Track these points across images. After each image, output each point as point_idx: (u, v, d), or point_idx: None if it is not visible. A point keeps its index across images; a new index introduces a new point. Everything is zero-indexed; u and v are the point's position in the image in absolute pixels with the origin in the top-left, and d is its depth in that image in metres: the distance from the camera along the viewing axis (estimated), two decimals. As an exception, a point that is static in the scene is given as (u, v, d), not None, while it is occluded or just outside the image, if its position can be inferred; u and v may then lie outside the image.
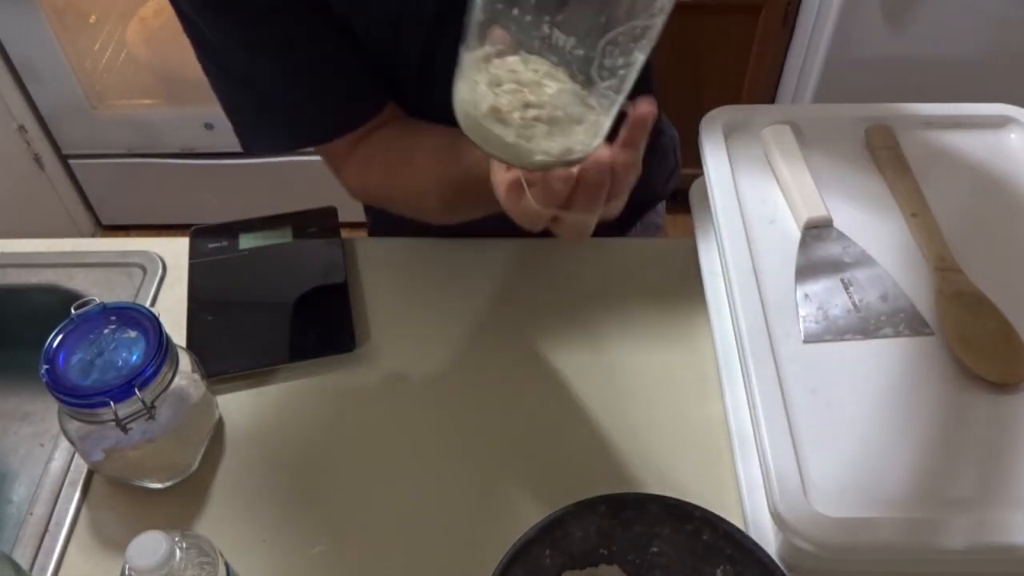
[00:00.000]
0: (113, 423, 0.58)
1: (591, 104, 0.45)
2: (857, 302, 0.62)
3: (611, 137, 0.48)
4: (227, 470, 0.67)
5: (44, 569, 0.61)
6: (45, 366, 0.58)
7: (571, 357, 0.73)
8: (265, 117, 0.71)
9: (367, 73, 0.70)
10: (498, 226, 0.82)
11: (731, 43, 1.64)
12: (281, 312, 0.77)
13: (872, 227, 0.67)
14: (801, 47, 1.58)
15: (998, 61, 1.51)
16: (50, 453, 0.68)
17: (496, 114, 0.44)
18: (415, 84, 0.71)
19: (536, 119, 0.44)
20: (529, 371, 0.72)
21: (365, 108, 0.71)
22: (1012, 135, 0.74)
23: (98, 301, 0.62)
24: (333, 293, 0.77)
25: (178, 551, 0.52)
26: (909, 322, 0.61)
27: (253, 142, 0.73)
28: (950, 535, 0.50)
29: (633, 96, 0.45)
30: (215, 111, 0.72)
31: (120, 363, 0.59)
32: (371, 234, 0.94)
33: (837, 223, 0.67)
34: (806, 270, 0.64)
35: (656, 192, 0.93)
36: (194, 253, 0.81)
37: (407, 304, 0.78)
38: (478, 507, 0.64)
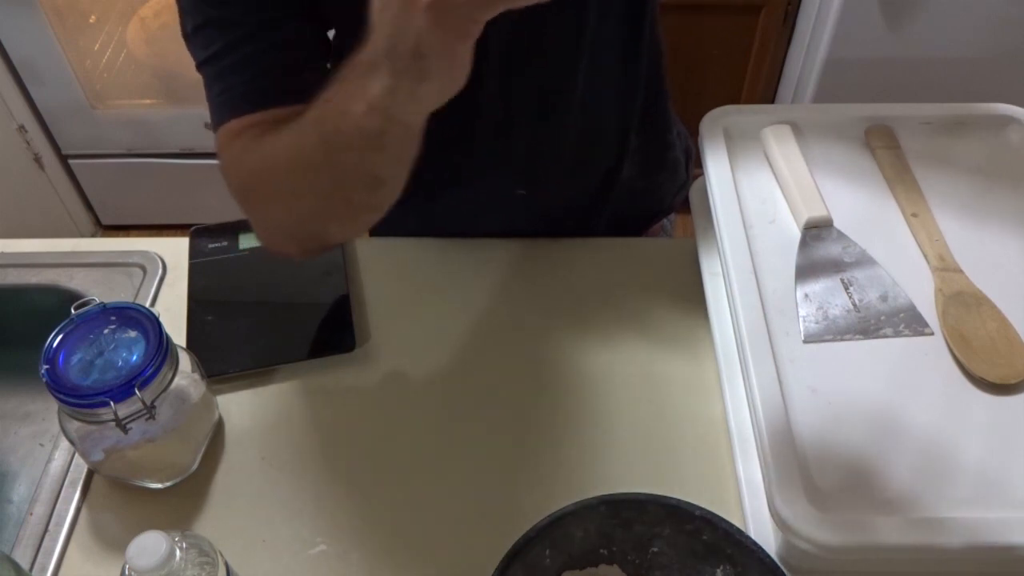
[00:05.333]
0: (113, 423, 0.58)
1: None
2: (857, 302, 0.62)
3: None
4: (227, 470, 0.67)
5: (44, 569, 0.61)
6: (45, 366, 0.58)
7: (571, 357, 0.73)
8: (231, 83, 0.65)
9: (309, 52, 0.65)
10: (498, 226, 0.83)
11: (731, 43, 1.64)
12: (281, 312, 0.77)
13: (872, 227, 0.67)
14: (801, 47, 1.58)
15: (998, 61, 1.51)
16: (50, 453, 0.68)
17: None
18: None
19: None
20: (529, 371, 0.72)
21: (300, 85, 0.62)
22: (1012, 135, 0.74)
23: (98, 301, 0.62)
24: (333, 293, 0.77)
25: (178, 551, 0.52)
26: (909, 322, 0.61)
27: (214, 119, 0.66)
28: (950, 535, 0.50)
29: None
30: (215, 111, 0.71)
31: (120, 363, 0.59)
32: (371, 234, 0.94)
33: (837, 223, 0.67)
34: (806, 270, 0.64)
35: (664, 206, 0.92)
36: (194, 253, 0.81)
37: (407, 304, 0.78)
38: (478, 506, 0.64)
